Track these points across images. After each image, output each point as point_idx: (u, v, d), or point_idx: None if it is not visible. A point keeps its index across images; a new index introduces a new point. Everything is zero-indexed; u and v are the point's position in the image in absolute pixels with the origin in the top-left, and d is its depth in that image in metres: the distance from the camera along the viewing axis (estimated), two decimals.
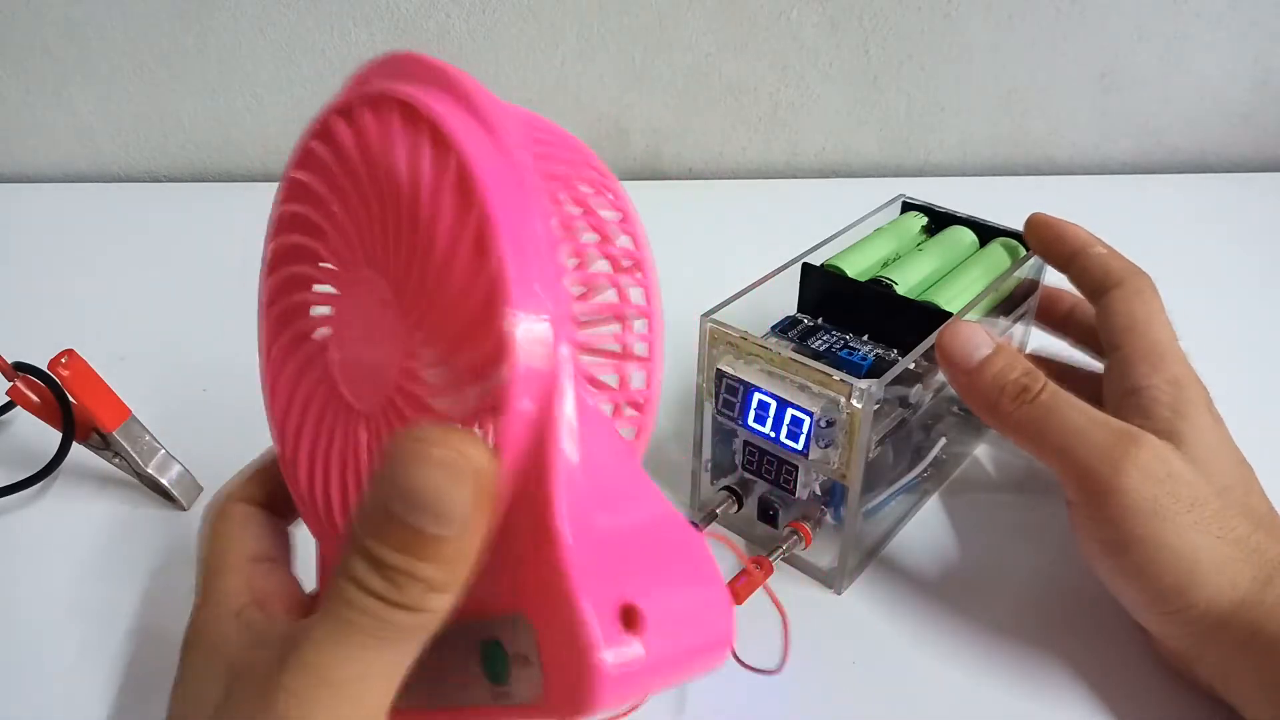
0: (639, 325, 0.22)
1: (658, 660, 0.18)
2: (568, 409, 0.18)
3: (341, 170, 0.21)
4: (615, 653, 0.17)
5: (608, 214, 0.22)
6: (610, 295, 0.21)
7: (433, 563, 0.18)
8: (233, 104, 0.73)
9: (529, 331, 0.18)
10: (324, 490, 0.22)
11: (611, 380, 0.21)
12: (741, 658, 0.33)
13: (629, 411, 0.22)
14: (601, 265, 0.21)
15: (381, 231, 0.20)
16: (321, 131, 0.22)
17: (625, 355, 0.21)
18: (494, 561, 0.18)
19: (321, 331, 0.23)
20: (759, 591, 0.35)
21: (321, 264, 0.22)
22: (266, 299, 0.24)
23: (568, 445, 0.18)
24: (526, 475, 0.18)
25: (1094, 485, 0.31)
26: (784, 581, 0.37)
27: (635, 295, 0.22)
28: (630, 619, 0.17)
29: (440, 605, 0.18)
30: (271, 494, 0.26)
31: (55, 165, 0.76)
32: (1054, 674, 0.34)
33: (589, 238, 0.21)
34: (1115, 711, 0.33)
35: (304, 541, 0.26)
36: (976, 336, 0.33)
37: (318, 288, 0.23)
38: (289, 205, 0.23)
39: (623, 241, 0.22)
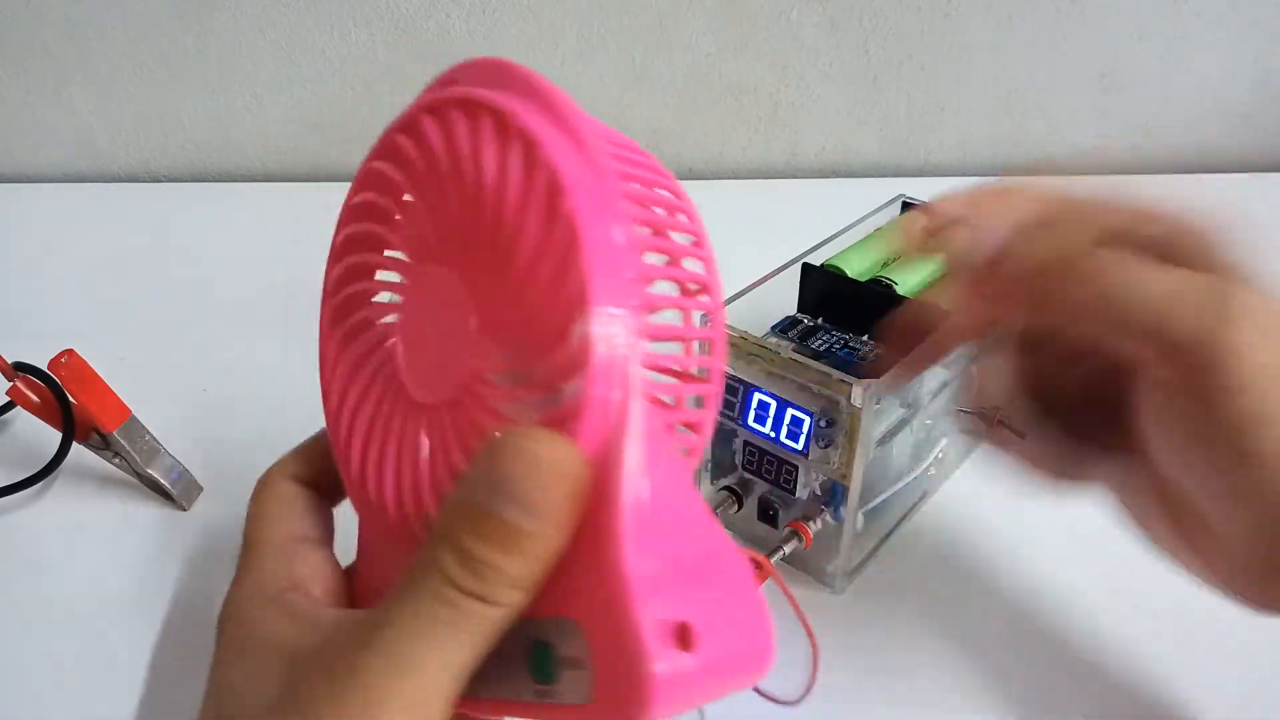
0: (700, 348, 0.22)
1: (706, 675, 0.18)
2: (636, 427, 0.19)
3: (426, 166, 0.21)
4: (669, 665, 0.18)
5: (679, 237, 0.22)
6: (674, 317, 0.22)
7: (519, 558, 0.18)
8: (233, 104, 0.73)
9: (606, 349, 0.18)
10: (377, 475, 0.23)
11: (668, 399, 0.22)
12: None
13: (682, 430, 0.22)
14: (668, 287, 0.22)
15: (460, 232, 0.20)
16: (408, 126, 0.22)
17: (686, 377, 0.22)
18: (561, 578, 0.19)
19: (386, 320, 0.23)
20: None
21: (390, 253, 0.23)
22: (330, 285, 0.25)
23: (634, 463, 0.19)
24: (592, 488, 0.19)
25: (1197, 354, 0.23)
26: (784, 581, 0.37)
27: (697, 318, 0.22)
28: (684, 637, 0.18)
29: (517, 602, 0.19)
30: (319, 473, 0.26)
31: (55, 165, 0.76)
32: (1054, 674, 0.34)
33: (657, 259, 0.22)
34: (1116, 711, 0.33)
35: (345, 520, 0.26)
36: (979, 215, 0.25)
37: (382, 275, 0.24)
38: (365, 193, 0.24)
39: (692, 265, 0.22)
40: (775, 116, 0.74)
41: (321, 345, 0.25)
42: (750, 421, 0.35)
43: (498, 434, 0.19)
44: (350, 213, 0.24)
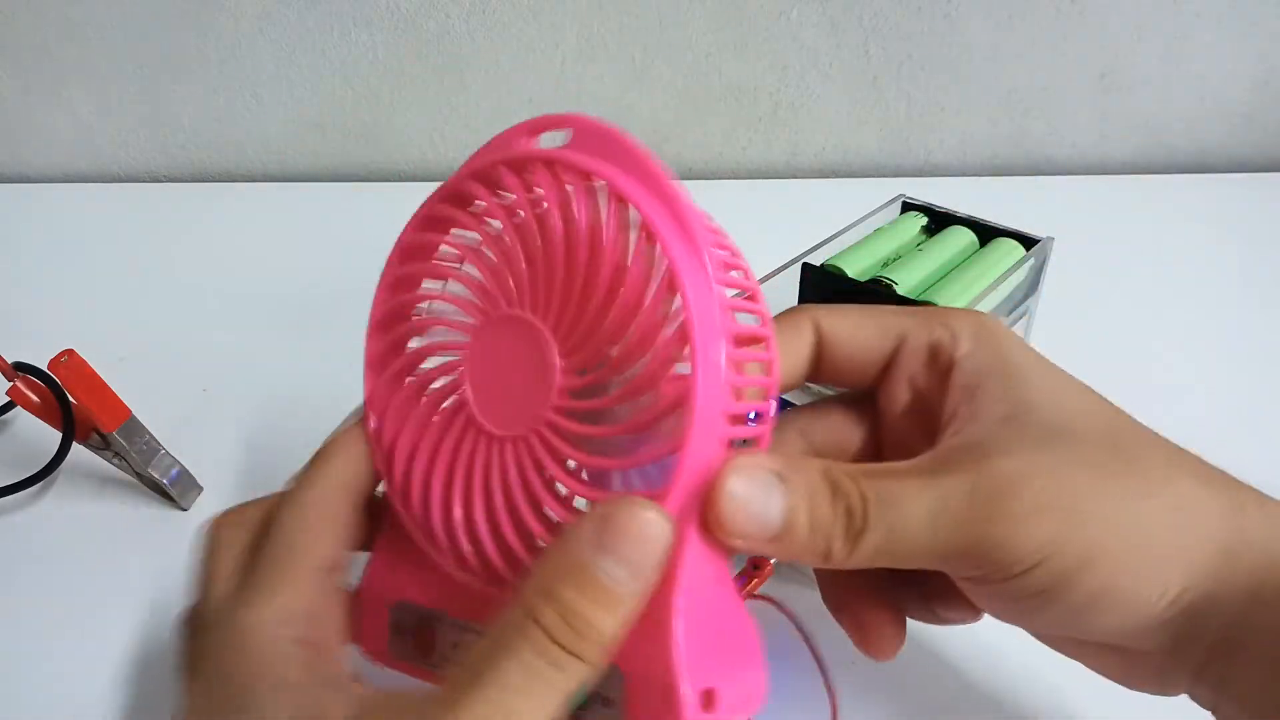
0: (753, 393, 0.24)
1: None
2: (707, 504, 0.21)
3: (536, 223, 0.23)
4: None
5: (731, 292, 0.23)
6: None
7: (614, 618, 0.20)
8: (233, 104, 0.73)
9: (703, 445, 0.21)
10: (444, 502, 0.23)
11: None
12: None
13: None
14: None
15: (562, 292, 0.22)
16: (516, 165, 0.23)
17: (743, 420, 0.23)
18: None
19: (449, 358, 0.24)
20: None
21: (450, 293, 0.24)
22: (386, 314, 0.25)
23: (698, 534, 0.21)
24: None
25: (976, 558, 0.23)
26: (784, 582, 0.37)
27: (753, 368, 0.24)
28: (710, 701, 0.21)
29: (602, 662, 0.20)
30: (370, 486, 0.25)
31: (55, 165, 0.76)
32: (1055, 674, 0.34)
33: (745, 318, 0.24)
34: (1116, 710, 0.33)
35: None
36: (758, 490, 0.22)
37: (434, 309, 0.25)
38: (433, 234, 0.25)
39: (747, 320, 0.24)
40: (775, 116, 0.74)
41: (367, 373, 0.25)
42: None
43: (603, 503, 0.20)
44: (411, 251, 0.25)
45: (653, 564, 0.20)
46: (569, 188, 0.23)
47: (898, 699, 0.33)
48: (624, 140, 0.23)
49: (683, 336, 0.21)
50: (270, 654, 0.21)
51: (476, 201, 0.24)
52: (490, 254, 0.24)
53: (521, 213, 0.23)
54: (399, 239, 0.25)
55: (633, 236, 0.22)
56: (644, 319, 0.21)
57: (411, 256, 0.25)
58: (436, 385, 0.24)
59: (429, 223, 0.25)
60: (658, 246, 0.21)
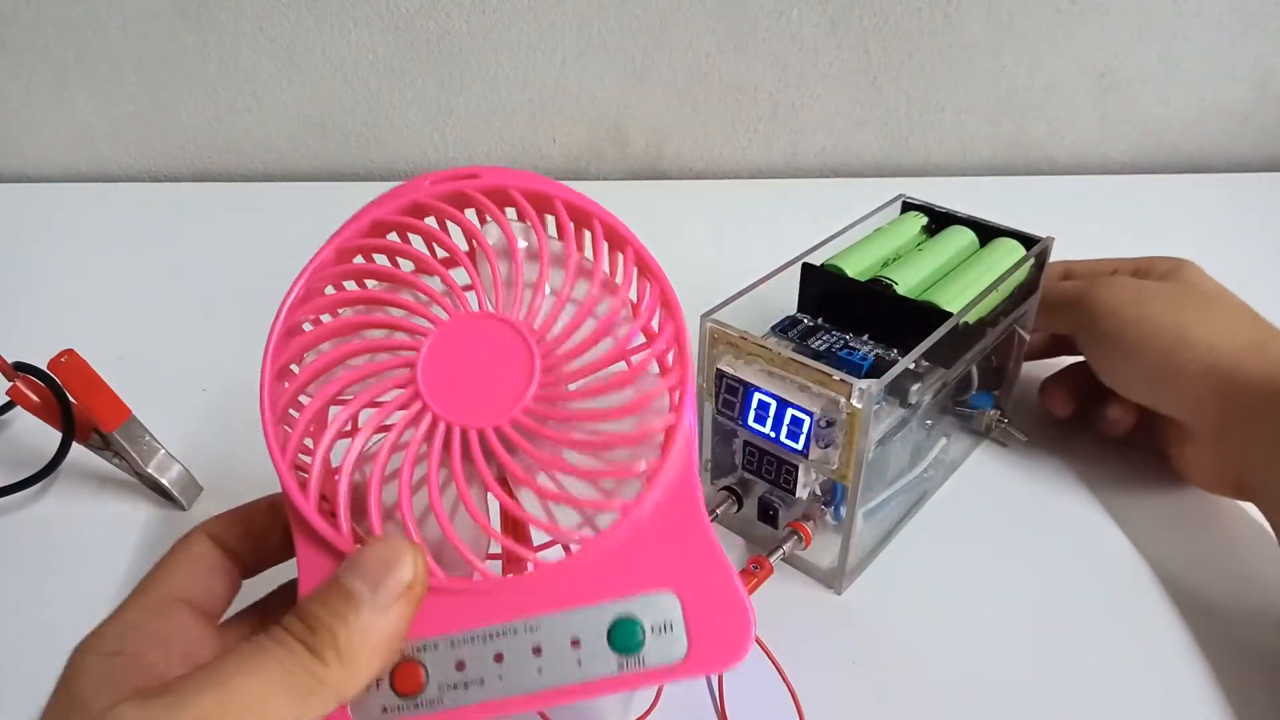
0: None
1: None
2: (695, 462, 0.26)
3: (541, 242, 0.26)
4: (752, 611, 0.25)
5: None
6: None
7: (344, 622, 0.22)
8: (233, 104, 0.73)
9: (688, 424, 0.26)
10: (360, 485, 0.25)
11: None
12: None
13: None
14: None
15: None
16: (539, 200, 0.27)
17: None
18: (652, 557, 0.25)
19: (407, 349, 0.25)
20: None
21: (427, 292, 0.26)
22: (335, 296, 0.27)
23: (699, 479, 0.26)
24: (681, 502, 0.25)
25: (1079, 309, 0.41)
26: (784, 582, 0.37)
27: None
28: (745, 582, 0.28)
29: (335, 678, 0.22)
30: (242, 540, 0.27)
31: (55, 165, 0.76)
32: (1054, 673, 0.34)
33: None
34: (1116, 709, 0.33)
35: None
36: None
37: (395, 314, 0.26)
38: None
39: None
40: (775, 116, 0.74)
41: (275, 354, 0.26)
42: (750, 421, 0.35)
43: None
44: (359, 248, 0.27)
45: (394, 578, 0.23)
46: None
47: (898, 699, 0.34)
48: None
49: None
50: (84, 669, 0.23)
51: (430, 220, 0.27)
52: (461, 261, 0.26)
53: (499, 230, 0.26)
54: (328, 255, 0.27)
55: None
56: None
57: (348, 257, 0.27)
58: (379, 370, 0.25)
59: (381, 228, 0.27)
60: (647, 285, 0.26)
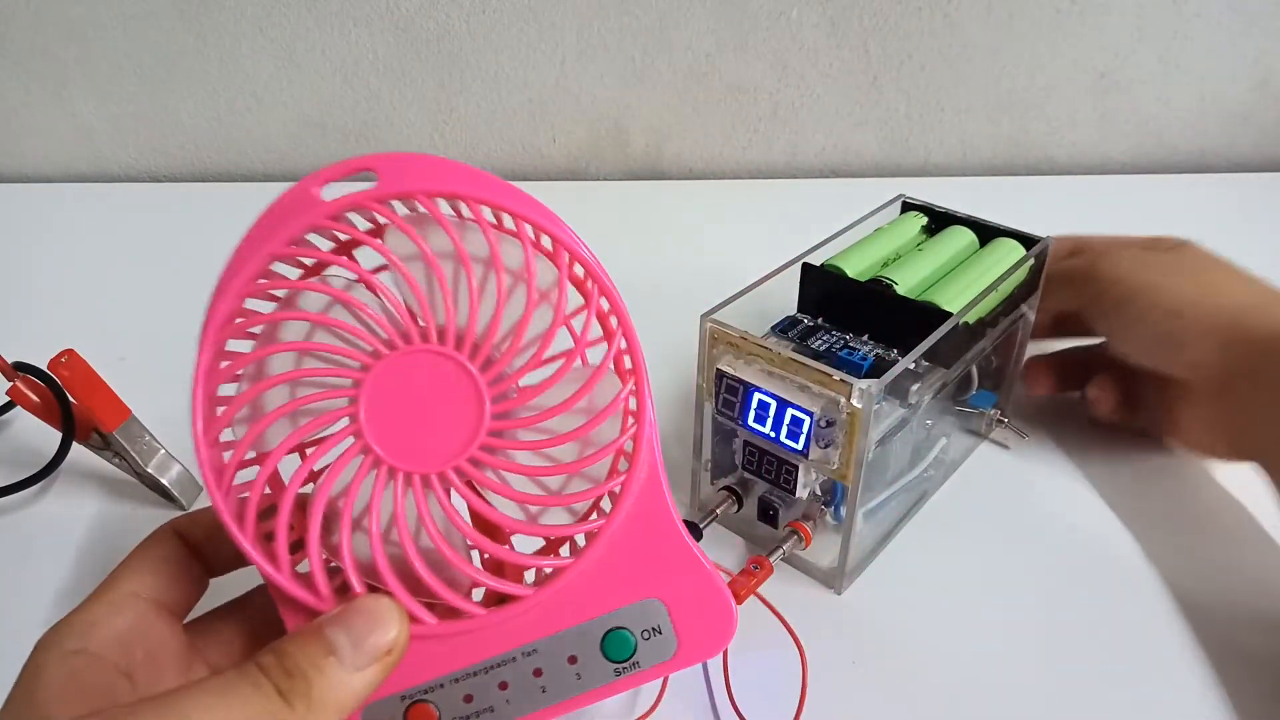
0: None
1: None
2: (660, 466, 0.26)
3: (465, 263, 0.24)
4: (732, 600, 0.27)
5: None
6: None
7: (321, 673, 0.22)
8: (233, 104, 0.73)
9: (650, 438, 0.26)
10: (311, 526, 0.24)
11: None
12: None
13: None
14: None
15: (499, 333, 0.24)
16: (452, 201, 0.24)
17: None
18: (632, 566, 0.26)
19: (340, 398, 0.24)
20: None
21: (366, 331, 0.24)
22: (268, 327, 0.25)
23: (669, 493, 0.26)
24: (650, 509, 0.25)
25: (1085, 280, 0.42)
26: (784, 581, 0.37)
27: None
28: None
29: (309, 707, 0.22)
30: (207, 540, 0.27)
31: (55, 165, 0.76)
32: (1054, 673, 0.34)
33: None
34: (1116, 709, 0.33)
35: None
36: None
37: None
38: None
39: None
40: (775, 116, 0.74)
41: (202, 381, 0.25)
42: (750, 421, 0.35)
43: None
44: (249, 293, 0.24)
45: (373, 640, 0.23)
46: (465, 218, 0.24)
47: (898, 699, 0.34)
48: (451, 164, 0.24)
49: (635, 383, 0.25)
50: (45, 664, 0.23)
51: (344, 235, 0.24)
52: (378, 292, 0.24)
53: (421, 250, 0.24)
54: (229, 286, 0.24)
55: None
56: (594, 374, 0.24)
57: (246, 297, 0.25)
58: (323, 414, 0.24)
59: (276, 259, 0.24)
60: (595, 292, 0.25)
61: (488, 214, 0.24)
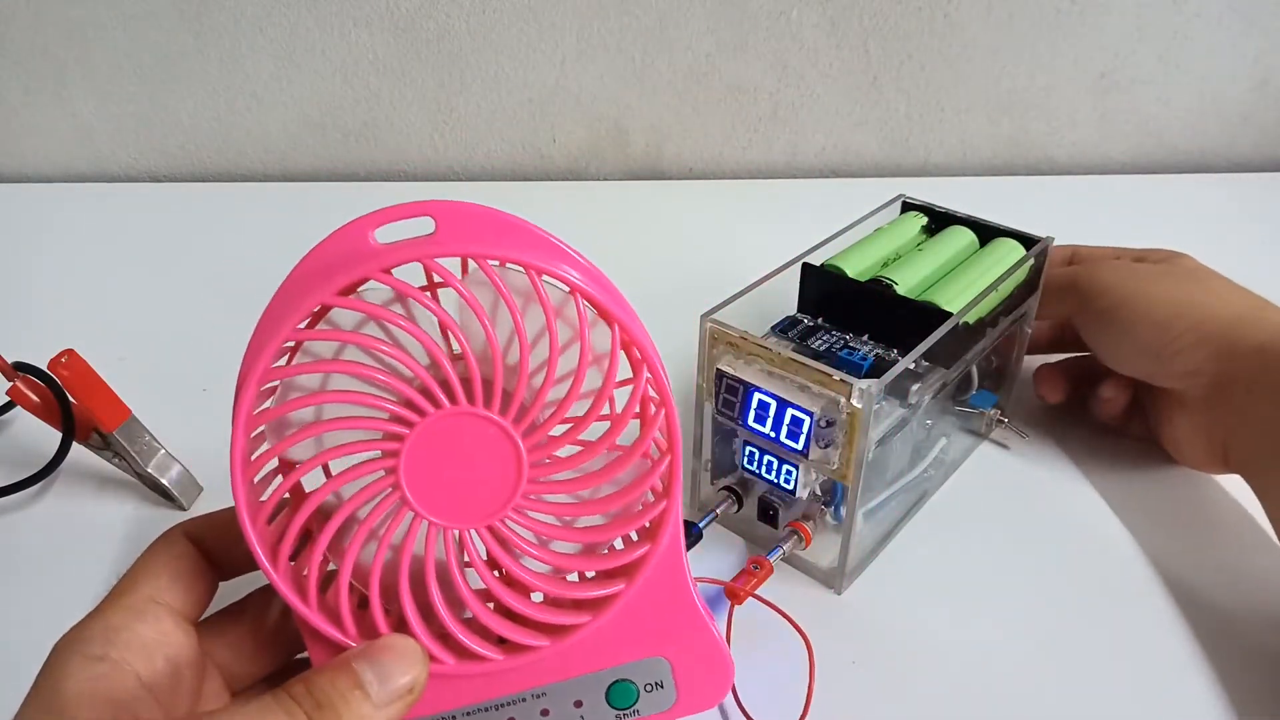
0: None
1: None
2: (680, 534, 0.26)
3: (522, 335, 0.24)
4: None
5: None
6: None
7: (348, 705, 0.22)
8: (233, 104, 0.73)
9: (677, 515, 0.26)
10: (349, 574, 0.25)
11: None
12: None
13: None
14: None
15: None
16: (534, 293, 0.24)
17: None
18: (643, 626, 0.27)
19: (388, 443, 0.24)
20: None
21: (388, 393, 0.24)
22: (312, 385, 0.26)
23: (686, 558, 0.27)
24: (667, 575, 0.26)
25: (1071, 291, 0.43)
26: (784, 581, 0.37)
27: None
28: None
29: None
30: (220, 544, 0.27)
31: (55, 165, 0.76)
32: (1054, 672, 0.34)
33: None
34: (1116, 709, 0.33)
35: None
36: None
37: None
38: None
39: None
40: (775, 116, 0.74)
41: (235, 422, 0.26)
42: (750, 421, 0.35)
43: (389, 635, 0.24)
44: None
45: (398, 680, 0.23)
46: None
47: (898, 699, 0.34)
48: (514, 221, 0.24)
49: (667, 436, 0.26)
50: (70, 671, 0.23)
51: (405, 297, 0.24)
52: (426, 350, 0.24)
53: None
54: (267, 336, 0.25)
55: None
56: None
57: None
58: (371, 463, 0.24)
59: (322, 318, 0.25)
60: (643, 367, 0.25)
61: (552, 285, 0.24)
